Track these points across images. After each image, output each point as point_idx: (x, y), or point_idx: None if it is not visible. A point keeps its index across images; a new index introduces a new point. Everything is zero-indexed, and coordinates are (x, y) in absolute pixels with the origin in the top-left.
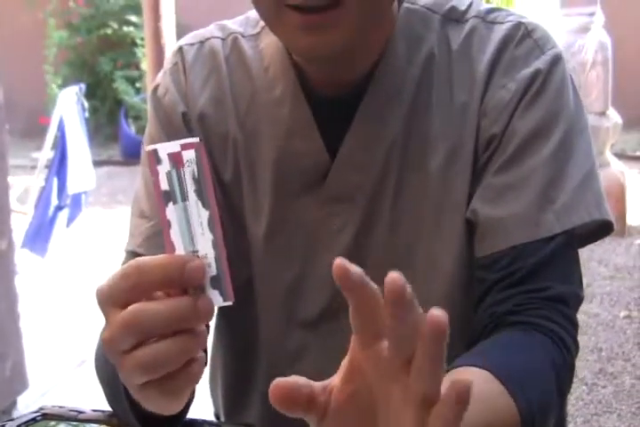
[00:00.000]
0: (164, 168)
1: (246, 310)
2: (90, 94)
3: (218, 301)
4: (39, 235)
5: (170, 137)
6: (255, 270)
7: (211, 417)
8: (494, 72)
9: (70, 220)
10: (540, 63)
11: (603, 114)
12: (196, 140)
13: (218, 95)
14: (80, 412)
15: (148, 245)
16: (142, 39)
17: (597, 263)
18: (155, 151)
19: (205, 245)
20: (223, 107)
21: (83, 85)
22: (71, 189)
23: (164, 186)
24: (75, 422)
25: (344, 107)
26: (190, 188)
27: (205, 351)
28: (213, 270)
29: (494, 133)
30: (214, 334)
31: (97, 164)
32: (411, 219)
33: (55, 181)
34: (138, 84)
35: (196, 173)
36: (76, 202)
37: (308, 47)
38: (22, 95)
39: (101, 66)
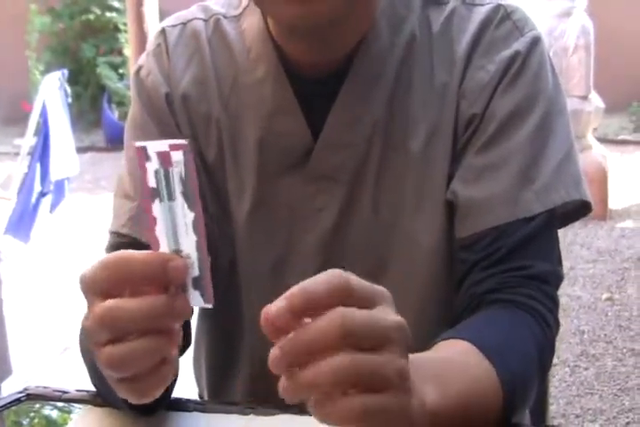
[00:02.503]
0: (153, 166)
1: (230, 291)
2: (72, 80)
3: (198, 301)
4: (22, 221)
5: (153, 118)
6: (239, 251)
7: (195, 397)
8: (474, 53)
9: (53, 206)
10: (518, 45)
11: (585, 98)
12: (184, 142)
13: (200, 76)
14: (64, 392)
15: (132, 225)
16: (125, 25)
17: (580, 247)
18: (144, 148)
19: (189, 246)
20: (206, 88)
21: (65, 71)
22: (54, 175)
23: (152, 183)
24: (59, 403)
25: (326, 87)
26: (177, 188)
27: (188, 336)
28: (196, 271)
29: (474, 114)
30: (198, 315)
31: (80, 150)
32: (392, 198)
33: (38, 168)
34: (121, 70)
35: (184, 175)
36: (60, 188)
37: (294, 17)
38: (4, 81)
39: (84, 52)
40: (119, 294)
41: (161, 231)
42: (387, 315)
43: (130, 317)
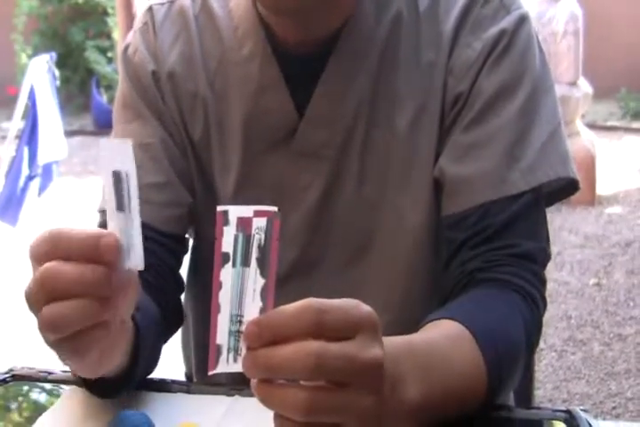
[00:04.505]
0: (231, 230)
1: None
2: (61, 64)
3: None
4: (10, 204)
5: (140, 95)
6: None
7: (181, 378)
8: (460, 31)
9: (42, 189)
10: (505, 23)
11: (573, 84)
12: (272, 208)
13: (187, 54)
14: (50, 373)
15: None
16: (113, 8)
17: (568, 232)
18: (225, 212)
19: (252, 312)
20: (192, 65)
21: (53, 54)
22: (42, 158)
23: (227, 248)
24: (46, 385)
25: (312, 65)
26: (253, 255)
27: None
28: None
29: (460, 92)
30: (185, 295)
31: (69, 133)
32: (377, 175)
33: (26, 151)
34: (109, 54)
35: (263, 242)
36: (48, 172)
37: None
38: None
39: (72, 35)
40: (60, 259)
41: (225, 296)
42: (365, 348)
43: (65, 279)
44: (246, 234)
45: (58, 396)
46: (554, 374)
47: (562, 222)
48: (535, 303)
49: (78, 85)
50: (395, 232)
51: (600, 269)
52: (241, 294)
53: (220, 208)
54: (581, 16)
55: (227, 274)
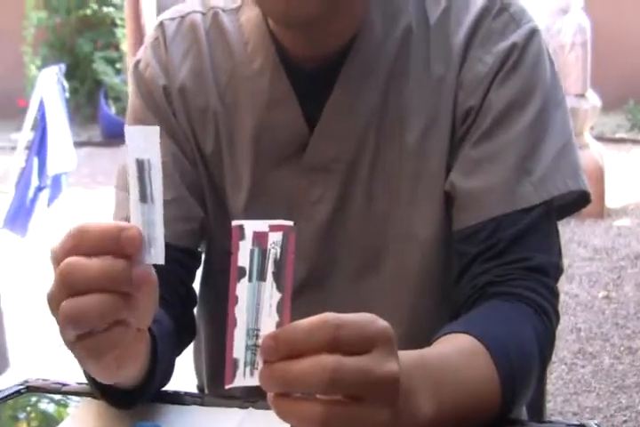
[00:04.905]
0: (247, 245)
1: (229, 282)
2: (69, 75)
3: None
4: (19, 215)
5: (151, 110)
6: None
7: (193, 390)
8: (471, 45)
9: (51, 200)
10: (516, 37)
11: (582, 96)
12: (288, 223)
13: (198, 69)
14: (64, 384)
15: None
16: (122, 20)
17: (577, 245)
18: (240, 227)
19: (269, 326)
20: (203, 80)
21: (63, 65)
22: (51, 169)
23: (243, 262)
24: (56, 396)
25: (322, 80)
26: (269, 269)
27: (192, 327)
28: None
29: (471, 106)
30: (198, 305)
31: (77, 144)
32: (387, 190)
33: (36, 162)
34: (118, 65)
35: (279, 256)
36: (57, 183)
37: (284, 10)
38: (0, 76)
39: (81, 47)
40: (82, 255)
41: (241, 311)
42: (381, 362)
43: (86, 274)
44: (262, 248)
45: (66, 406)
46: (564, 387)
47: (571, 235)
48: (548, 317)
49: (86, 96)
50: (405, 246)
51: (609, 282)
52: (257, 308)
53: (235, 223)
54: (589, 28)
55: (243, 288)
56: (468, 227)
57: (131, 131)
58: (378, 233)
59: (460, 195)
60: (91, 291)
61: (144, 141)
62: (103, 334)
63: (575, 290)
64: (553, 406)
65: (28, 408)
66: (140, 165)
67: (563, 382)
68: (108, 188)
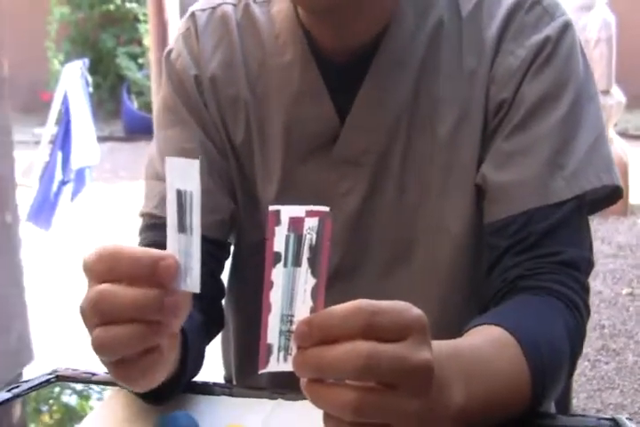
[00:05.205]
0: (282, 230)
1: (258, 273)
2: (92, 70)
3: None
4: (43, 209)
5: (182, 100)
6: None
7: (220, 381)
8: (504, 39)
9: (74, 194)
10: (549, 30)
11: (607, 92)
12: (324, 208)
13: (229, 59)
14: (94, 374)
15: (165, 206)
16: (145, 15)
17: (600, 242)
18: (277, 212)
19: (303, 312)
20: (234, 70)
21: (86, 60)
22: (75, 163)
23: (278, 248)
24: (81, 387)
25: (353, 72)
26: (305, 255)
27: (221, 318)
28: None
29: (503, 99)
30: (227, 296)
31: (99, 139)
32: (418, 182)
33: (59, 156)
34: (140, 60)
35: (314, 242)
36: (80, 176)
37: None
38: (23, 71)
39: (103, 42)
40: (116, 281)
41: (276, 296)
42: (415, 350)
43: (118, 303)
44: (298, 234)
45: (89, 399)
46: (587, 384)
47: (594, 232)
48: (579, 311)
49: (109, 92)
50: (435, 238)
51: (633, 279)
52: (292, 293)
53: (272, 208)
54: (614, 23)
55: (278, 274)
56: (498, 220)
57: (172, 162)
58: (408, 225)
59: (492, 188)
60: (122, 320)
61: (185, 173)
62: (135, 361)
63: (599, 287)
64: (576, 402)
65: (51, 401)
66: (180, 196)
67: (586, 379)
68: (129, 182)
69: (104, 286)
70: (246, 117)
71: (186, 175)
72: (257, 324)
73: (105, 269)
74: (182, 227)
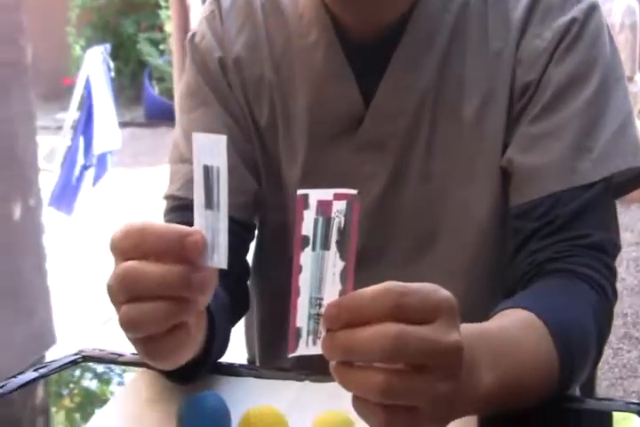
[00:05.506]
0: (311, 214)
1: (282, 254)
2: (113, 56)
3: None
4: (65, 194)
5: (207, 82)
6: (290, 216)
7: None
8: (530, 20)
9: (96, 179)
10: (576, 11)
11: (630, 79)
12: (352, 191)
13: (253, 40)
14: (120, 355)
15: (188, 188)
16: (166, 1)
17: (624, 229)
18: (305, 196)
19: (332, 295)
20: (258, 51)
21: (108, 46)
22: (97, 148)
23: (306, 231)
24: (102, 369)
25: (378, 54)
26: (333, 238)
27: (246, 299)
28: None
29: (529, 81)
30: (251, 278)
31: (120, 125)
32: (444, 165)
33: (81, 141)
34: (161, 46)
35: (342, 225)
36: (102, 161)
37: None
38: (45, 57)
39: (125, 27)
40: (142, 258)
41: (305, 280)
42: (445, 332)
43: (144, 279)
44: (326, 217)
45: (109, 383)
46: (609, 372)
47: None
48: (606, 294)
49: (130, 77)
50: (460, 222)
51: None
52: (320, 277)
53: (300, 192)
54: (638, 10)
55: (307, 257)
56: (525, 203)
57: (199, 138)
58: (433, 210)
59: (518, 171)
60: (149, 297)
61: (212, 149)
62: (163, 338)
63: (622, 275)
64: (598, 390)
65: (72, 385)
66: (207, 172)
67: (608, 367)
68: (149, 168)
69: (130, 262)
70: (270, 98)
71: (213, 151)
72: (281, 306)
73: (131, 245)
74: (209, 203)
